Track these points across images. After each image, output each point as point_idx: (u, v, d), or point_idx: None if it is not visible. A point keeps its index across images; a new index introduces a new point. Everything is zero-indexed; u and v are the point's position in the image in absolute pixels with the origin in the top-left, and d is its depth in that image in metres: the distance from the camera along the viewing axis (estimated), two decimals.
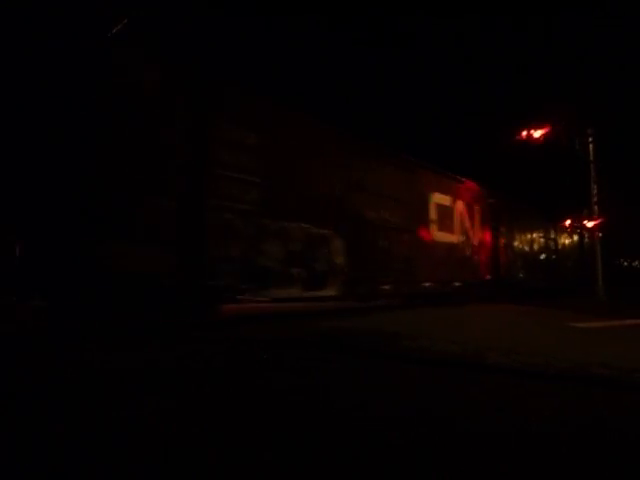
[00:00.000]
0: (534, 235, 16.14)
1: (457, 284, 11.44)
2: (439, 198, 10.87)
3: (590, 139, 16.58)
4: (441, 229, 10.81)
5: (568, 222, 19.36)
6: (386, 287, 9.08)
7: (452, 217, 11.36)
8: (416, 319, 7.84)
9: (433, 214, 10.61)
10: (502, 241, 13.63)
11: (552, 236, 17.50)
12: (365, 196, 8.57)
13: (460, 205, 11.62)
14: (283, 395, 2.92)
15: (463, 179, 12.11)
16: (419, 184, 10.31)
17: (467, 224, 11.83)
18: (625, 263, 30.37)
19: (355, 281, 8.13)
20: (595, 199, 16.54)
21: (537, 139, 15.42)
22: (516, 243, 14.80)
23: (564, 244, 18.85)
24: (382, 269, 8.92)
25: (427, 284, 10.27)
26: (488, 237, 12.89)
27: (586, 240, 20.33)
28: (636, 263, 30.80)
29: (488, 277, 12.69)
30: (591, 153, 16.68)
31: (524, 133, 15.52)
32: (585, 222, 17.13)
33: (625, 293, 17.49)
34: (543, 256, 16.67)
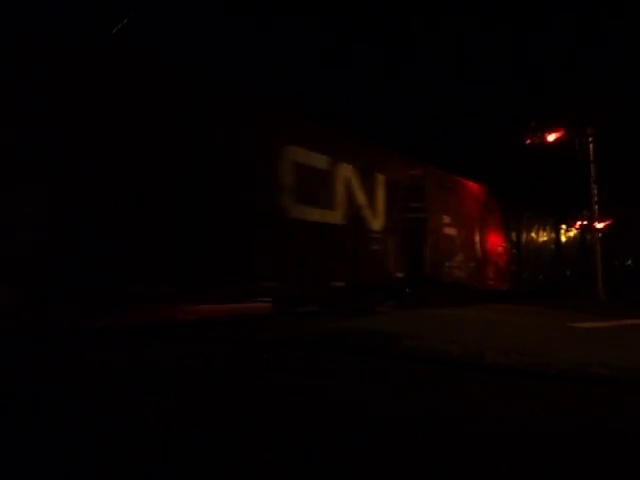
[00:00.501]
0: (484, 223, 12.84)
1: (338, 284, 8.04)
2: (301, 155, 7.36)
3: (590, 139, 16.60)
4: (307, 202, 7.44)
5: (578, 223, 19.26)
6: (166, 287, 5.77)
7: (331, 186, 7.89)
8: (416, 319, 7.84)
9: (288, 178, 7.12)
10: (431, 227, 10.42)
11: (512, 227, 14.77)
12: (107, 134, 5.20)
13: (347, 171, 8.18)
14: (284, 395, 2.92)
15: (359, 136, 9.06)
16: (258, 130, 6.86)
17: (361, 199, 8.46)
18: (616, 263, 30.40)
19: (58, 275, 4.91)
20: (596, 199, 16.56)
21: (551, 142, 15.43)
22: (454, 231, 11.38)
23: (532, 238, 16.49)
24: (150, 252, 5.49)
25: (270, 283, 6.96)
26: (405, 221, 9.64)
27: (563, 235, 19.72)
28: (629, 262, 30.79)
29: (399, 275, 9.46)
30: (591, 153, 16.70)
31: (533, 136, 15.55)
32: (595, 224, 16.96)
33: (624, 293, 17.49)
34: (499, 249, 13.86)
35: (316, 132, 8.00)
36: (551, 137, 15.31)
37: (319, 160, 7.74)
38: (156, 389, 2.99)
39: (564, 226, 19.12)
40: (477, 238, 12.62)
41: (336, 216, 8.01)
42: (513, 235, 14.88)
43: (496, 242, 13.68)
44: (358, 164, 8.42)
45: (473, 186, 12.70)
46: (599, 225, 16.80)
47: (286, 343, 4.92)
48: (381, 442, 2.13)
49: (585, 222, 18.66)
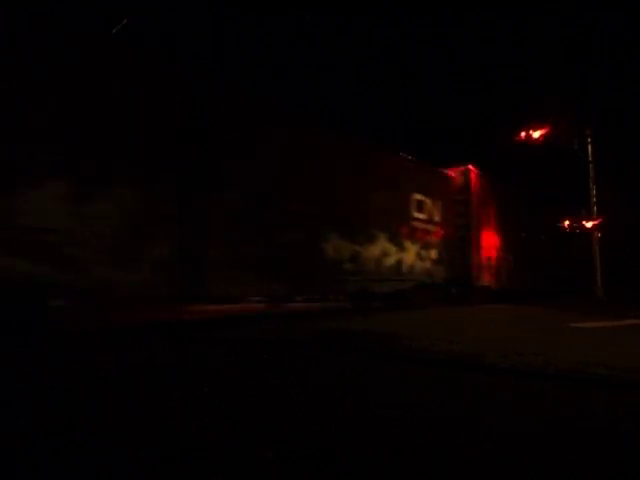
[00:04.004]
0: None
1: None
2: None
3: (589, 139, 16.60)
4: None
5: (567, 222, 19.16)
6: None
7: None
8: (415, 320, 7.85)
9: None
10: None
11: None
12: None
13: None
14: (283, 395, 2.92)
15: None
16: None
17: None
18: None
19: None
20: (594, 199, 16.55)
21: (536, 139, 15.37)
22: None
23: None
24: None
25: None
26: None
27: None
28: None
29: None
30: (590, 153, 16.69)
31: (523, 133, 15.48)
32: (584, 222, 16.94)
33: (624, 293, 17.48)
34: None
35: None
36: (536, 134, 15.28)
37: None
38: (156, 389, 2.99)
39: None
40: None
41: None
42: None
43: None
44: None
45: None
46: (588, 224, 16.76)
47: (286, 343, 4.93)
48: (380, 442, 2.13)
49: (574, 222, 18.52)
